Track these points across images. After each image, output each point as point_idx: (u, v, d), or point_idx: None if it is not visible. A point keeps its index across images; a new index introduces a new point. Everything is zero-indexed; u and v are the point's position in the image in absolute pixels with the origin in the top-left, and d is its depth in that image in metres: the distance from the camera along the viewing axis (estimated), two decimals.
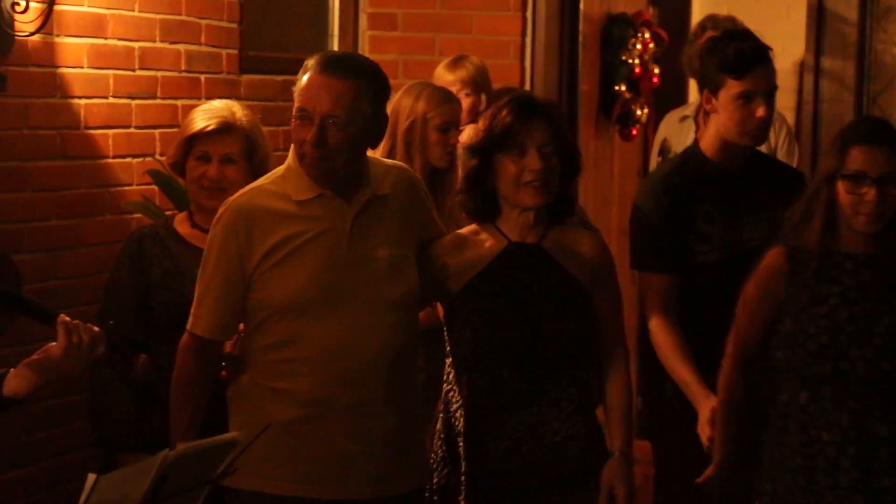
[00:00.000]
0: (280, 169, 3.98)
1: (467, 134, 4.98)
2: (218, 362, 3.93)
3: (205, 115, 4.46)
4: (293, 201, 3.87)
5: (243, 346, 3.94)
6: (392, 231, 3.99)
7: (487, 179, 4.04)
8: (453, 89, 5.54)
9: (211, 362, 3.90)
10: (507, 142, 3.98)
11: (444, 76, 5.77)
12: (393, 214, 4.00)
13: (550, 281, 4.11)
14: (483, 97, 5.78)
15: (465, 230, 4.18)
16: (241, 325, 3.94)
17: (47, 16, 4.77)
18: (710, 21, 6.39)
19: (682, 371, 4.45)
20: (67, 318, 3.18)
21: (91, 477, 2.76)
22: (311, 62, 3.88)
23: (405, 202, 4.04)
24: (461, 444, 4.05)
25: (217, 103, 4.59)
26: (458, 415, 4.06)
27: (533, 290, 4.10)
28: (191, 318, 3.89)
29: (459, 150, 4.82)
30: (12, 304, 3.23)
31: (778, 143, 6.23)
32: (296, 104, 3.85)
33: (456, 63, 5.86)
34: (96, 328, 3.23)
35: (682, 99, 8.70)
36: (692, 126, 6.24)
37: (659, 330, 4.52)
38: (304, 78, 3.85)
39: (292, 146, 3.93)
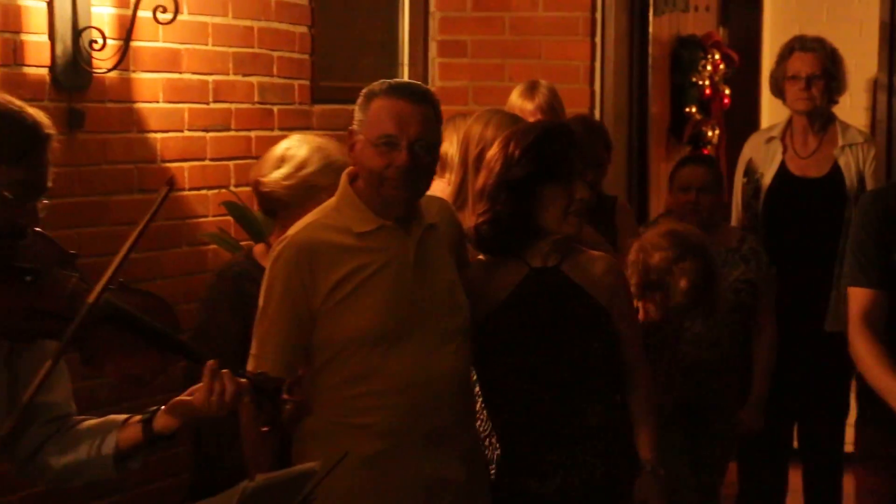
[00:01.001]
0: (332, 202, 3.95)
1: None
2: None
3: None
4: (353, 234, 3.85)
5: (310, 386, 3.84)
6: (445, 259, 4.02)
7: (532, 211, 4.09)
8: (531, 118, 5.48)
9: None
10: (556, 171, 4.05)
11: (523, 105, 5.74)
12: (442, 243, 4.03)
13: (573, 304, 4.16)
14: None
15: (486, 258, 4.24)
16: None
17: (124, 52, 4.88)
18: (798, 42, 6.34)
19: (885, 379, 4.37)
20: (214, 365, 3.16)
21: None
22: (379, 89, 3.87)
23: (448, 231, 4.07)
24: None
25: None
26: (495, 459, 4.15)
27: (557, 314, 4.15)
28: (252, 361, 3.84)
29: None
30: (171, 347, 3.20)
31: (866, 165, 6.23)
32: (374, 132, 3.80)
33: (531, 91, 5.85)
34: (243, 380, 3.19)
35: (754, 119, 8.69)
36: (779, 147, 6.30)
37: (860, 342, 4.44)
38: (379, 105, 3.82)
39: (343, 179, 3.92)
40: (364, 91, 3.88)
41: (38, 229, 3.11)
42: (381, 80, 4.05)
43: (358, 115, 3.86)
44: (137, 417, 3.22)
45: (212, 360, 3.14)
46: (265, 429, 3.40)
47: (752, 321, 5.74)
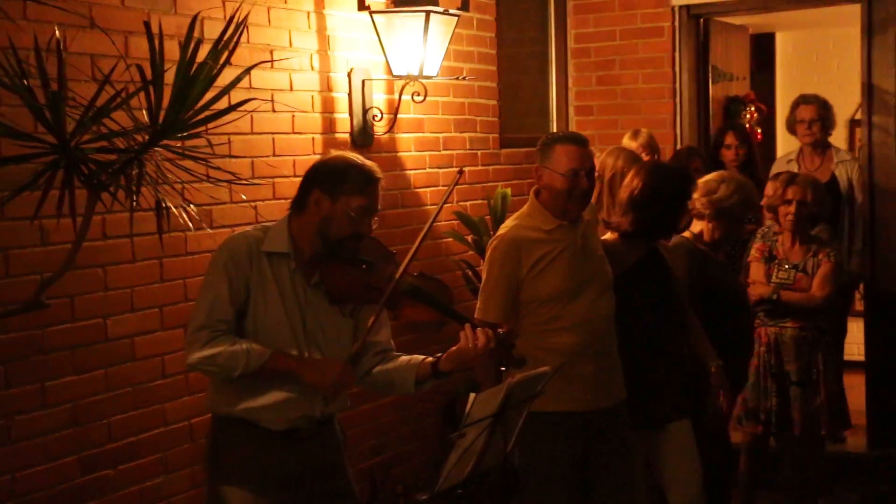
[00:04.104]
0: (524, 210, 3.86)
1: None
2: None
3: None
4: (542, 230, 3.78)
5: (519, 324, 3.75)
6: (596, 241, 3.96)
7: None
8: (641, 153, 5.50)
9: None
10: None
11: (630, 144, 5.68)
12: (593, 231, 3.96)
13: (667, 271, 4.16)
14: (655, 156, 5.77)
15: (617, 237, 4.11)
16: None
17: (393, 122, 5.10)
18: (802, 98, 6.23)
19: None
20: (470, 324, 3.10)
21: (472, 395, 2.90)
22: (558, 138, 3.79)
23: (594, 223, 4.00)
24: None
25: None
26: None
27: (664, 276, 4.14)
28: (479, 313, 3.76)
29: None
30: (444, 311, 3.17)
31: (853, 174, 6.05)
32: (562, 167, 3.70)
33: (635, 135, 5.83)
34: (491, 331, 3.08)
35: (773, 147, 8.69)
36: (795, 165, 6.16)
37: None
38: (562, 148, 3.73)
39: (532, 195, 3.85)
40: (543, 140, 3.81)
41: (371, 235, 3.20)
42: (553, 132, 4.12)
43: (542, 155, 3.77)
44: (430, 359, 3.23)
45: (469, 322, 3.12)
46: (503, 368, 3.34)
47: None
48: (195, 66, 2.91)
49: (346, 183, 3.10)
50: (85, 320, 3.72)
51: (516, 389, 3.06)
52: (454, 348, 3.16)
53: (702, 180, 4.62)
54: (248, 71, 3.15)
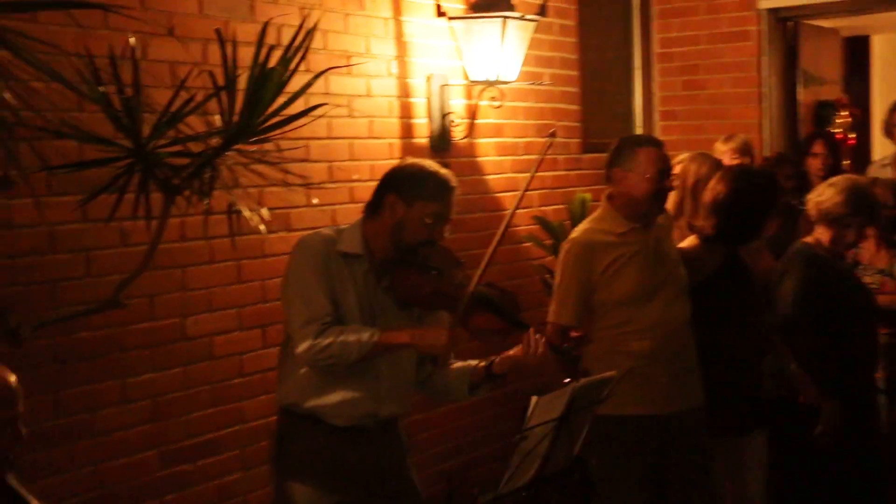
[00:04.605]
0: (597, 214, 3.90)
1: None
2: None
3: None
4: (615, 234, 3.79)
5: (591, 328, 3.75)
6: (670, 244, 3.97)
7: None
8: (727, 156, 5.38)
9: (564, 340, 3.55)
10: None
11: (721, 147, 5.60)
12: (666, 234, 3.97)
13: (748, 275, 4.11)
14: (749, 161, 5.58)
15: (696, 241, 4.09)
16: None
17: (470, 127, 5.13)
18: None
19: None
20: (532, 331, 3.10)
21: (534, 398, 2.89)
22: (642, 141, 3.82)
23: (665, 227, 3.98)
24: None
25: None
26: None
27: (745, 280, 4.08)
28: (553, 315, 3.77)
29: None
30: (510, 320, 3.15)
31: None
32: (650, 170, 3.72)
33: (729, 139, 5.70)
34: (544, 339, 3.10)
35: (867, 151, 8.51)
36: (891, 170, 6.12)
37: None
38: (647, 152, 3.74)
39: (604, 199, 3.86)
40: (620, 144, 3.82)
41: (440, 243, 3.19)
42: (626, 136, 4.05)
43: (623, 159, 3.77)
44: (483, 363, 3.26)
45: (531, 328, 3.11)
46: (566, 381, 3.35)
47: None
48: (267, 71, 2.99)
49: (423, 189, 3.14)
50: (164, 319, 3.83)
51: (581, 393, 3.05)
52: (510, 352, 3.18)
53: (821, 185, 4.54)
54: (318, 76, 3.20)
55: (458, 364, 3.32)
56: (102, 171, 2.90)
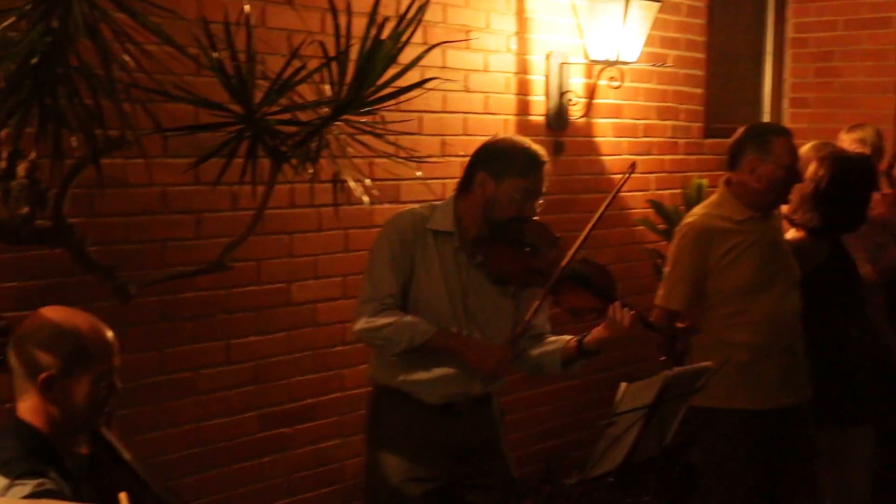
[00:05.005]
0: (713, 199, 3.83)
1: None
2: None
3: None
4: (733, 221, 3.72)
5: (702, 316, 3.71)
6: (782, 236, 3.89)
7: None
8: (849, 146, 5.17)
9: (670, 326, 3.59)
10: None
11: (844, 137, 5.45)
12: (779, 224, 3.91)
13: (853, 265, 4.07)
14: (877, 154, 5.34)
15: (804, 233, 4.00)
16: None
17: (588, 106, 5.09)
18: None
19: None
20: (617, 304, 3.11)
21: (623, 385, 2.92)
22: (777, 130, 3.77)
23: (778, 216, 3.91)
24: None
25: None
26: None
27: (852, 270, 4.06)
28: (662, 299, 3.74)
29: None
30: (604, 296, 3.15)
31: None
32: (784, 161, 3.67)
33: (854, 128, 5.54)
34: (632, 312, 3.11)
35: None
36: None
37: None
38: (784, 141, 3.69)
39: (723, 184, 3.79)
40: (756, 132, 3.74)
41: (535, 219, 3.20)
42: (759, 124, 4.01)
43: (757, 147, 3.68)
44: (576, 338, 3.26)
45: (617, 301, 3.11)
46: (662, 358, 3.26)
47: None
48: (377, 43, 2.99)
49: (512, 166, 3.12)
50: (269, 284, 3.90)
51: (673, 382, 3.03)
52: (600, 326, 3.17)
53: None
54: (429, 50, 3.19)
55: (552, 339, 3.32)
56: (214, 135, 2.96)
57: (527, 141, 3.23)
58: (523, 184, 3.12)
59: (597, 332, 3.20)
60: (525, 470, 4.64)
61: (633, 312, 3.11)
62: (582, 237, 3.13)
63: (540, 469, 4.95)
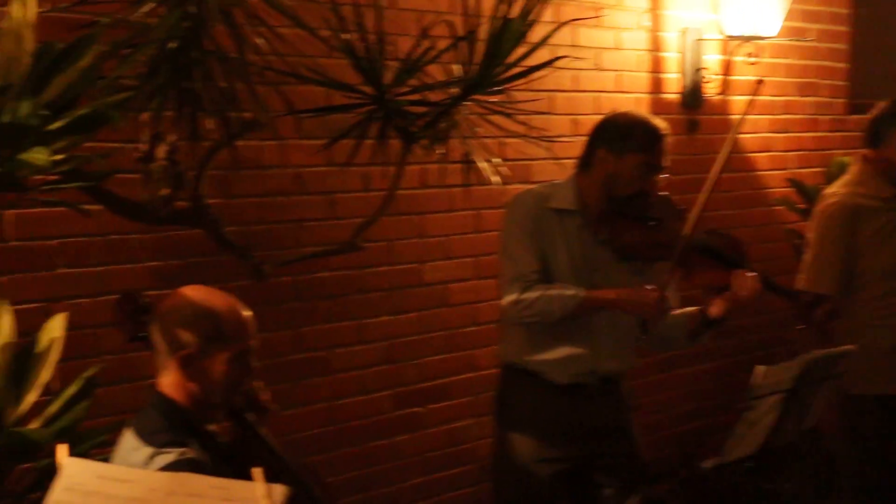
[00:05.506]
0: (853, 177, 3.75)
1: None
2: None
3: None
4: (880, 198, 3.66)
5: (847, 299, 3.65)
6: None
7: None
8: None
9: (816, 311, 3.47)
10: None
11: None
12: None
13: None
14: None
15: None
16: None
17: (724, 83, 4.99)
18: None
19: None
20: (743, 270, 3.06)
21: (760, 368, 2.84)
22: None
23: None
24: None
25: None
26: None
27: None
28: (808, 282, 3.68)
29: None
30: (732, 265, 3.11)
31: None
32: None
33: None
34: (754, 275, 3.07)
35: None
36: None
37: None
38: None
39: (862, 160, 3.72)
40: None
41: (661, 193, 3.17)
42: None
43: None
44: (699, 309, 3.20)
45: (743, 269, 3.06)
46: (800, 326, 3.25)
47: None
48: (506, 22, 2.98)
49: (632, 141, 3.11)
50: (402, 264, 3.94)
51: (813, 366, 2.96)
52: (726, 294, 3.12)
53: None
54: (558, 28, 3.18)
55: (676, 312, 3.27)
56: (346, 116, 3.01)
57: (646, 115, 3.22)
58: (644, 158, 3.11)
59: (720, 300, 3.16)
60: (657, 454, 4.61)
61: (754, 275, 3.06)
62: (699, 205, 3.06)
63: (672, 453, 4.91)
